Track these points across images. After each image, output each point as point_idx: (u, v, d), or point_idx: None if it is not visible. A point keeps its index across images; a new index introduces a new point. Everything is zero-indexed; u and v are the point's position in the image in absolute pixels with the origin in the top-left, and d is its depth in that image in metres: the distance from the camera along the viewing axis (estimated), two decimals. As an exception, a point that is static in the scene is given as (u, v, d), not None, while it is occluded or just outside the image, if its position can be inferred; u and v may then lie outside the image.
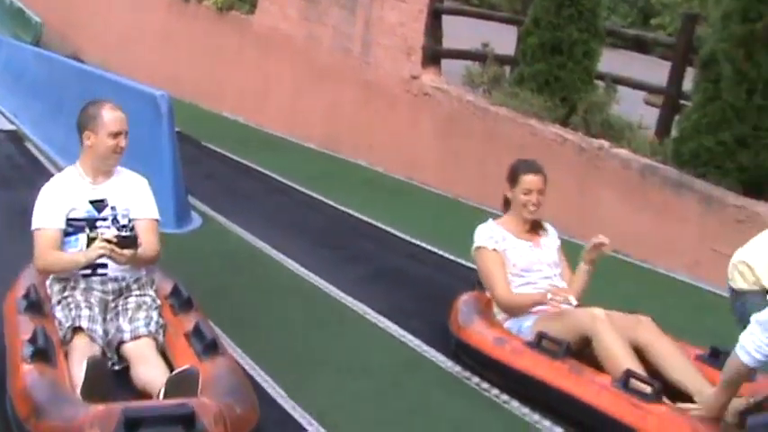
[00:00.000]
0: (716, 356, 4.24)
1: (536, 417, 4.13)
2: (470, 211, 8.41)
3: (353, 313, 5.34)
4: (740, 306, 3.83)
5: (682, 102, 7.90)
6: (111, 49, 14.63)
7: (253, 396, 3.48)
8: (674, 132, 7.68)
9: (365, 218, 7.72)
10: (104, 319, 3.95)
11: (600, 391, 3.92)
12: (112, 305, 4.04)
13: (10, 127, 10.29)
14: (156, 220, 4.30)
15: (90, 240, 4.08)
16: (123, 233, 3.99)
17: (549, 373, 4.14)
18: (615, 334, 4.18)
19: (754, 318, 3.46)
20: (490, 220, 4.89)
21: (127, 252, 3.92)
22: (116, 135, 4.13)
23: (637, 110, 8.94)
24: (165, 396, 3.33)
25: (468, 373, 4.56)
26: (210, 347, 3.67)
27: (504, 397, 4.32)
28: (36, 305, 3.98)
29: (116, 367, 3.81)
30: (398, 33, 9.72)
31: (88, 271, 4.06)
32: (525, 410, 4.19)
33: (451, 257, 6.71)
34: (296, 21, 11.20)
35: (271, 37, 11.61)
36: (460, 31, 10.29)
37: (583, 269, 4.75)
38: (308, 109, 11.14)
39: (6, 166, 8.51)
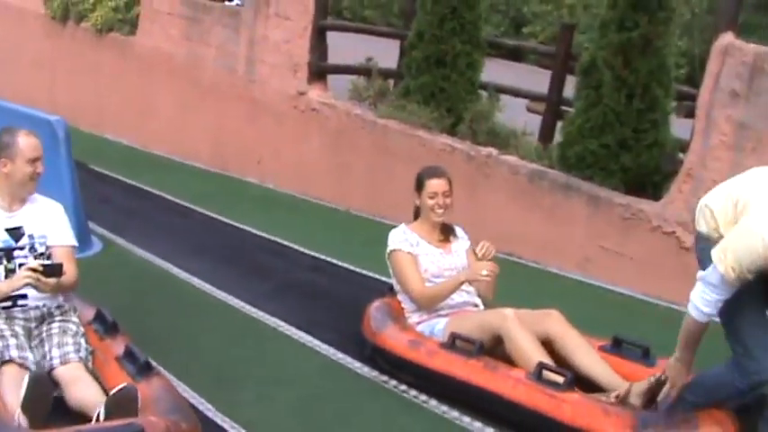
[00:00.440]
0: (618, 345, 4.54)
1: (455, 413, 4.34)
2: (364, 223, 8.63)
3: (266, 326, 5.46)
4: (700, 251, 3.90)
5: (563, 108, 8.27)
6: (-15, 74, 14.37)
7: (192, 413, 3.58)
8: (557, 138, 8.02)
9: (263, 234, 7.83)
10: (30, 347, 3.95)
11: (515, 385, 4.16)
12: (36, 332, 4.04)
13: None
14: (74, 247, 4.33)
15: (7, 272, 4.07)
16: (48, 262, 4.02)
17: (465, 371, 4.35)
18: (525, 331, 4.43)
19: (698, 276, 3.73)
20: (403, 225, 5.09)
21: (51, 281, 3.95)
22: (33, 161, 4.16)
23: (519, 117, 9.28)
24: (107, 416, 3.37)
25: (385, 377, 4.74)
26: (144, 368, 3.73)
27: (423, 397, 4.52)
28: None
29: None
30: (283, 51, 9.85)
31: (8, 303, 4.04)
32: (444, 408, 4.40)
33: (352, 268, 6.89)
34: (178, 41, 11.22)
35: (153, 58, 11.59)
36: (340, 47, 10.46)
37: None
38: (194, 128, 11.16)
39: None
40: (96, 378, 3.87)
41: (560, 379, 4.10)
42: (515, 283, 6.36)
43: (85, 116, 12.37)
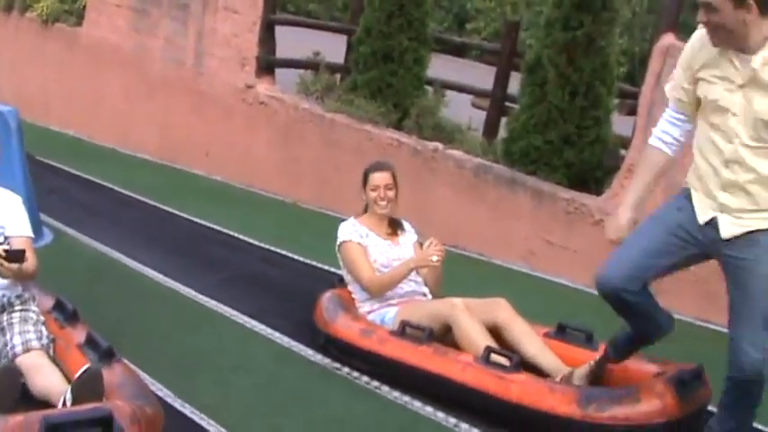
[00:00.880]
0: (562, 331, 4.74)
1: (406, 398, 4.49)
2: (312, 216, 8.76)
3: (220, 315, 5.56)
4: None
5: (508, 104, 8.46)
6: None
7: (155, 398, 3.67)
8: (502, 133, 8.20)
9: (212, 225, 7.91)
10: None
11: (464, 369, 4.32)
12: None
13: None
14: (31, 238, 4.39)
15: None
16: (9, 247, 4.08)
17: (416, 356, 4.51)
18: (472, 319, 4.60)
19: None
20: (352, 218, 5.23)
21: (14, 266, 4.00)
22: None
23: (464, 113, 9.47)
24: (73, 401, 3.45)
25: (337, 364, 4.87)
26: (107, 354, 3.79)
27: (375, 383, 4.66)
28: None
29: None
30: (232, 44, 9.93)
31: None
32: (396, 394, 4.54)
33: (302, 259, 7.02)
34: (126, 32, 11.23)
35: (100, 49, 11.58)
36: (287, 41, 10.55)
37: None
38: (141, 120, 11.19)
39: None
40: (58, 366, 3.93)
41: (507, 361, 4.28)
42: (462, 275, 6.51)
43: (31, 107, 12.28)
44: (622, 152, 7.30)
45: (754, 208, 3.62)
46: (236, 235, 7.63)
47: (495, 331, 4.62)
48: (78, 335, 4.07)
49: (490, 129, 8.67)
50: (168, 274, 6.25)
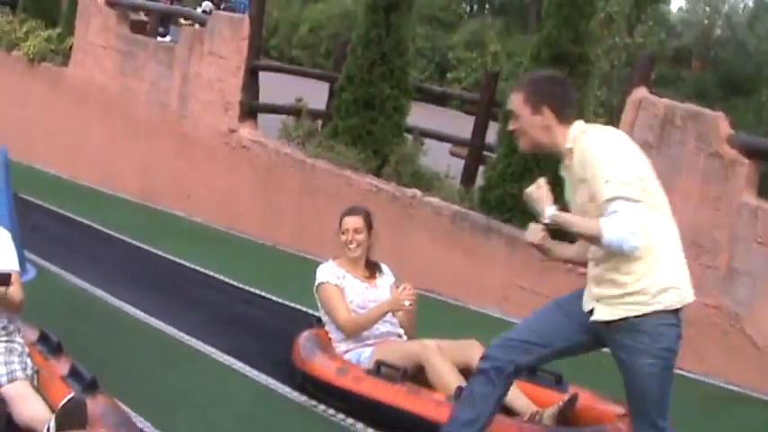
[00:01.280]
0: (533, 373, 4.87)
1: (381, 436, 4.63)
2: (290, 259, 8.89)
3: (200, 353, 5.67)
4: None
5: (485, 153, 8.65)
6: None
7: (138, 428, 3.78)
8: (479, 181, 8.38)
9: (192, 265, 8.02)
10: None
11: (437, 407, 4.45)
12: None
13: None
14: (18, 272, 4.50)
15: None
16: None
17: (390, 395, 4.63)
18: (443, 359, 4.76)
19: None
20: (330, 260, 5.37)
21: (0, 290, 4.09)
22: None
23: (442, 161, 9.65)
24: (57, 430, 3.54)
25: (314, 402, 4.99)
26: (91, 385, 3.90)
27: (350, 420, 4.78)
28: None
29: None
30: (216, 89, 10.11)
31: None
32: (370, 431, 4.67)
33: (280, 301, 7.14)
34: (111, 74, 11.40)
35: (85, 89, 11.75)
36: (269, 87, 10.73)
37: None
38: (124, 161, 11.32)
39: None
40: (41, 396, 3.99)
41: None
42: (437, 319, 6.64)
43: (14, 145, 12.30)
44: (596, 202, 7.46)
45: (621, 292, 3.66)
46: (216, 276, 7.74)
47: (467, 372, 4.74)
48: (62, 366, 4.17)
49: (468, 177, 8.85)
50: (149, 311, 6.36)
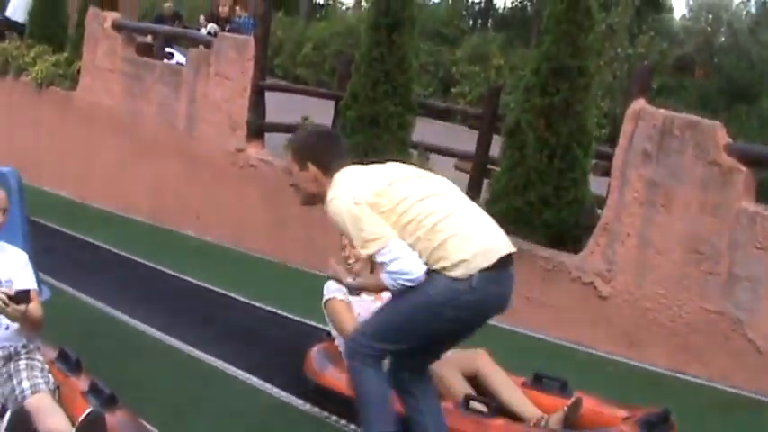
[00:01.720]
0: (539, 381, 5.01)
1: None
2: (299, 275, 9.01)
3: (213, 368, 5.81)
4: None
5: (490, 167, 8.79)
6: None
7: (158, 442, 3.94)
8: (484, 195, 8.51)
9: (203, 284, 8.16)
10: None
11: (446, 415, 4.56)
12: (3, 370, 4.29)
13: None
14: (36, 291, 4.64)
15: None
16: (15, 291, 4.24)
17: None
18: (451, 369, 4.89)
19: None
20: None
21: (21, 307, 4.16)
22: None
23: (447, 175, 9.74)
24: None
25: (326, 413, 5.12)
26: (110, 401, 4.04)
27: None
28: None
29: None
30: (223, 109, 10.26)
31: None
32: (382, 440, 4.79)
33: (290, 316, 7.28)
34: (119, 97, 11.57)
35: (93, 112, 11.92)
36: (274, 105, 10.88)
37: None
38: (134, 183, 11.49)
39: None
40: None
41: (485, 408, 4.56)
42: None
43: (25, 169, 12.45)
44: (598, 211, 7.60)
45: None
46: (226, 293, 7.88)
47: (474, 380, 4.89)
48: (82, 383, 4.31)
49: (473, 190, 8.97)
50: (164, 329, 6.51)
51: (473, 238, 4.05)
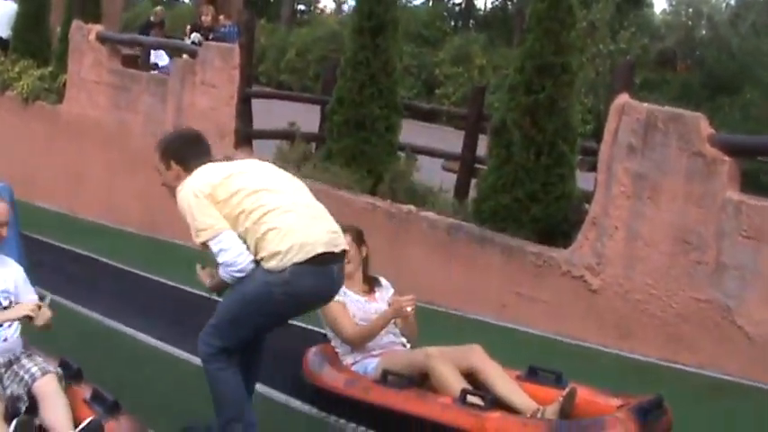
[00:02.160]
0: (534, 374, 5.10)
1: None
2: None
3: (212, 374, 5.86)
4: None
5: (477, 166, 8.88)
6: None
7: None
8: (472, 193, 8.61)
9: (198, 292, 8.19)
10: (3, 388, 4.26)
11: (443, 410, 4.67)
12: (8, 373, 4.33)
13: None
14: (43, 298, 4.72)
15: None
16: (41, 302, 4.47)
17: (398, 400, 4.85)
18: (447, 365, 4.97)
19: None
20: None
21: (48, 315, 4.38)
22: None
23: (435, 176, 9.87)
24: None
25: (324, 414, 5.20)
26: (113, 408, 4.10)
27: (362, 428, 5.00)
28: None
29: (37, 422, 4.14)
30: (210, 117, 10.32)
31: None
32: (381, 437, 4.89)
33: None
34: (106, 108, 11.62)
35: (81, 125, 11.95)
36: (259, 111, 10.93)
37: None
38: (124, 194, 11.52)
39: None
40: None
41: (482, 401, 4.65)
42: (438, 329, 6.82)
43: (14, 184, 12.46)
44: (586, 206, 7.70)
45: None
46: (221, 300, 7.91)
47: (470, 375, 4.97)
48: (84, 391, 4.37)
49: (461, 190, 9.08)
50: (161, 338, 6.55)
51: (293, 232, 4.28)
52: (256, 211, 4.29)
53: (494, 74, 20.88)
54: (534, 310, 7.58)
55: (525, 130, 7.63)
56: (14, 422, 3.84)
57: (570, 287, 7.40)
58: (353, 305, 5.45)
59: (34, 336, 4.65)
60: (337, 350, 5.49)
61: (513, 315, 7.65)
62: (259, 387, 5.59)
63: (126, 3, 22.36)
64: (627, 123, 7.15)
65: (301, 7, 36.87)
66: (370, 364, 5.27)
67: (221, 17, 13.98)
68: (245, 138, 10.27)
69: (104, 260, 9.39)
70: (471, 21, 34.22)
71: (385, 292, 5.64)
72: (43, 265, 8.73)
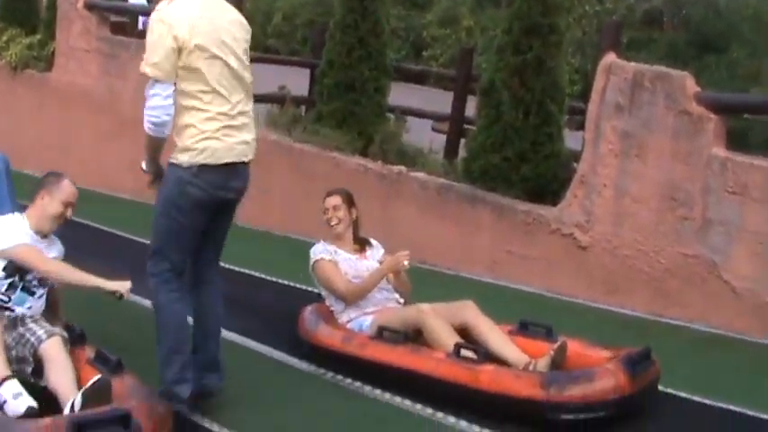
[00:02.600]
0: (525, 328, 5.23)
1: (387, 395, 4.94)
2: (284, 241, 9.17)
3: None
4: None
5: (466, 126, 8.97)
6: None
7: (164, 401, 4.12)
8: (462, 153, 8.70)
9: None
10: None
11: (438, 364, 4.80)
12: (14, 334, 4.43)
13: None
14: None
15: (20, 284, 4.68)
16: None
17: (394, 356, 4.98)
18: (439, 321, 5.11)
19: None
20: (322, 241, 5.72)
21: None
22: (67, 205, 4.67)
23: (425, 137, 9.95)
24: (83, 407, 3.86)
25: (323, 370, 5.32)
26: (117, 367, 4.21)
27: (358, 384, 5.12)
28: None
29: (42, 383, 4.27)
30: (201, 83, 10.33)
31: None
32: (378, 392, 5.00)
33: (279, 281, 7.46)
34: (95, 76, 11.62)
35: (70, 93, 11.96)
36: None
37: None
38: (115, 161, 11.55)
39: None
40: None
41: (475, 355, 4.79)
42: (430, 287, 6.89)
43: (5, 153, 12.62)
44: (574, 164, 7.79)
45: None
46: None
47: (463, 331, 5.10)
48: (88, 352, 4.48)
49: (450, 150, 9.17)
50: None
51: (208, 140, 4.42)
52: (193, 101, 4.35)
53: (481, 35, 20.88)
54: (525, 267, 7.69)
55: (514, 91, 7.71)
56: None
57: (560, 244, 7.51)
58: (345, 263, 5.58)
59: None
60: (332, 308, 5.62)
61: (504, 272, 7.77)
62: (254, 346, 5.74)
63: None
64: (614, 83, 7.24)
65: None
66: (365, 322, 5.39)
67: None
68: (235, 102, 10.28)
69: (97, 225, 9.45)
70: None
71: (376, 252, 5.77)
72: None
